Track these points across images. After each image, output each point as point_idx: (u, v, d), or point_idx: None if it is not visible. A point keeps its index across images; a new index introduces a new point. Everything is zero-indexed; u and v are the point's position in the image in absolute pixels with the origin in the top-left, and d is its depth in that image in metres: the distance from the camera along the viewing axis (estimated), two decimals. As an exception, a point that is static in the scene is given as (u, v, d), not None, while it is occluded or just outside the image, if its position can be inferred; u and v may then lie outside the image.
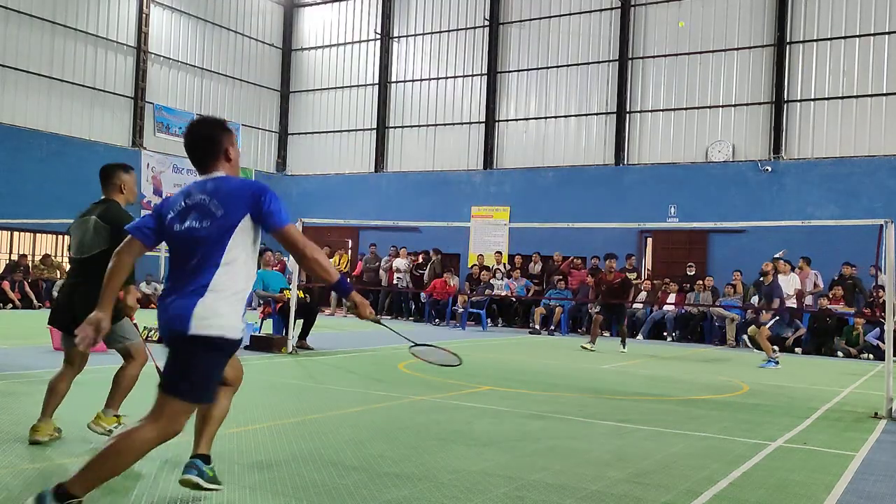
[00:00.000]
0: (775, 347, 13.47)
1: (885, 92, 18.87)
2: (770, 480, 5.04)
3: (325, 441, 5.60)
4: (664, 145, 21.37)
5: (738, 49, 20.52)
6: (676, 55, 21.24)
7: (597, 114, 22.27)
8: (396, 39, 25.57)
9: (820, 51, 19.69)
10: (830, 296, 16.45)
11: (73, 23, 21.45)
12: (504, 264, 20.97)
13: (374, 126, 25.67)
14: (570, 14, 22.69)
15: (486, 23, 23.84)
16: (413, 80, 25.18)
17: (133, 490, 4.24)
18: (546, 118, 22.98)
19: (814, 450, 6.12)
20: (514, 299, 19.95)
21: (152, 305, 19.04)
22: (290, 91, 27.44)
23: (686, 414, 7.66)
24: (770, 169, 19.73)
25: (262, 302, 14.29)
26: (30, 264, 19.86)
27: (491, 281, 19.96)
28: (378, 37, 25.71)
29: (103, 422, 5.32)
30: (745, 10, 20.48)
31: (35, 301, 18.67)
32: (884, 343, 9.44)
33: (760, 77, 20.30)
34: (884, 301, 9.00)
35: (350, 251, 24.25)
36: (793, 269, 17.25)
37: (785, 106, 19.96)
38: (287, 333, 11.61)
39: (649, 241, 21.27)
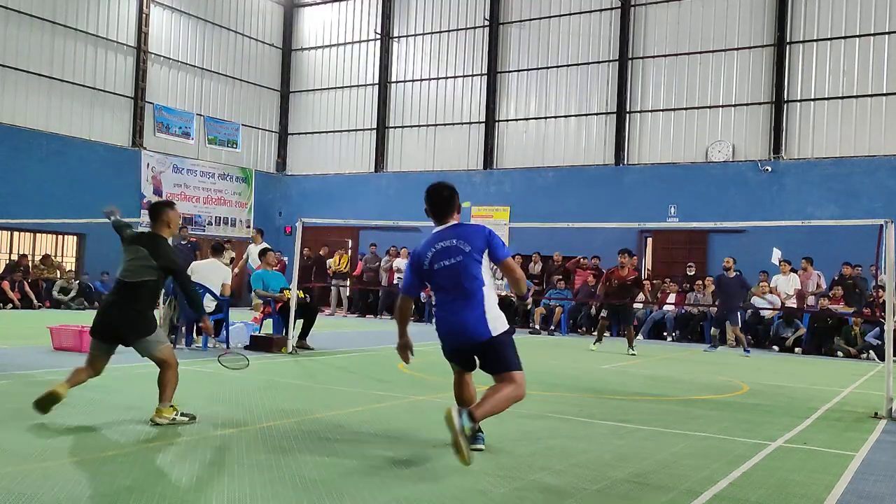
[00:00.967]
0: (750, 338, 14.27)
1: (885, 92, 18.88)
2: (770, 480, 5.04)
3: (324, 441, 5.60)
4: (664, 145, 21.37)
5: (738, 49, 20.52)
6: (676, 55, 21.24)
7: (597, 114, 22.27)
8: (396, 39, 25.57)
9: (820, 51, 19.69)
10: (830, 295, 16.44)
11: (73, 23, 21.45)
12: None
13: (374, 126, 25.67)
14: (570, 14, 22.69)
15: (486, 23, 23.84)
16: (413, 80, 25.18)
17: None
18: (546, 118, 22.98)
19: (814, 450, 6.12)
20: (514, 299, 19.94)
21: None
22: (290, 91, 27.43)
23: (686, 414, 7.66)
24: (770, 169, 19.74)
25: (262, 302, 14.29)
26: (30, 264, 19.86)
27: (491, 281, 19.93)
28: (378, 37, 25.71)
29: (165, 413, 6.00)
30: (745, 10, 20.48)
31: (35, 301, 18.68)
32: (884, 343, 9.44)
33: (760, 77, 20.30)
34: (884, 301, 9.00)
35: (350, 251, 24.25)
36: (793, 270, 17.28)
37: (785, 106, 19.96)
38: (287, 333, 11.60)
39: (649, 241, 21.27)
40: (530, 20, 23.27)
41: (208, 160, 24.67)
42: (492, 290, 5.25)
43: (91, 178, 21.12)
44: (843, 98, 19.37)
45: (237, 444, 5.40)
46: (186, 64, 24.30)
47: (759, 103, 20.25)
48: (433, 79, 24.83)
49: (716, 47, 20.73)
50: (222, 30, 25.30)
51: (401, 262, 21.67)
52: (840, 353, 15.27)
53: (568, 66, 22.71)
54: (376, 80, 25.69)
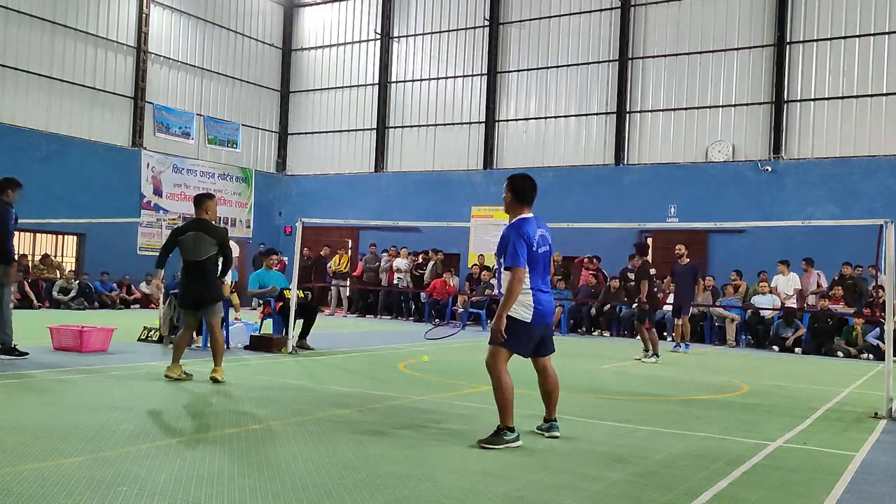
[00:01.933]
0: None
1: (885, 92, 18.88)
2: (770, 480, 5.04)
3: (324, 441, 5.60)
4: (664, 145, 21.37)
5: (738, 49, 20.52)
6: (676, 55, 21.25)
7: (597, 114, 22.27)
8: (396, 39, 25.57)
9: (820, 51, 19.69)
10: (830, 296, 16.44)
11: (73, 23, 21.45)
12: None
13: (374, 126, 25.67)
14: (570, 14, 22.69)
15: (486, 23, 23.84)
16: (413, 80, 25.18)
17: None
18: (546, 118, 22.98)
19: (814, 450, 6.12)
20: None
21: (152, 305, 19.03)
22: (290, 91, 27.44)
23: (686, 414, 7.66)
24: (770, 169, 19.74)
25: (261, 302, 14.29)
26: (30, 264, 19.85)
27: (491, 281, 19.96)
28: (378, 37, 25.71)
29: (218, 373, 8.06)
30: (745, 10, 20.48)
31: (35, 301, 18.68)
32: (884, 343, 9.44)
33: (760, 77, 20.30)
34: (884, 301, 9.00)
35: (350, 251, 24.25)
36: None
37: (785, 106, 19.96)
38: (287, 333, 11.60)
39: (649, 241, 21.24)
40: (530, 20, 23.28)
41: (208, 160, 24.67)
42: None
43: (91, 178, 21.12)
44: (843, 98, 19.37)
45: (237, 443, 5.40)
46: (186, 64, 24.30)
47: (759, 103, 20.25)
48: (433, 79, 24.83)
49: (716, 47, 20.73)
50: (222, 30, 25.30)
51: (401, 262, 21.67)
52: (840, 354, 15.27)
53: (568, 66, 22.72)
54: (376, 80, 25.69)
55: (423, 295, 20.65)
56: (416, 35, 25.17)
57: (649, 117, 21.62)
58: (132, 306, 20.67)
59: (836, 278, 16.87)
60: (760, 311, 16.86)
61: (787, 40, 19.93)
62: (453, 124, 24.41)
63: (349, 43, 26.46)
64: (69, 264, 21.23)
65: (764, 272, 17.48)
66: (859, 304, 16.19)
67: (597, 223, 18.43)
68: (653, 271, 13.39)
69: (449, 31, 24.59)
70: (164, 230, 18.38)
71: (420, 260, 21.88)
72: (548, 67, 22.99)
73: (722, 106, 20.70)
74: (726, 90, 20.67)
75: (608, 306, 18.74)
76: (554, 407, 6.19)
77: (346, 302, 22.55)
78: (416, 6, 25.16)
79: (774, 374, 11.85)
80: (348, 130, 26.28)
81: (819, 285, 17.24)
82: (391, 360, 10.78)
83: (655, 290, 13.82)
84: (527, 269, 5.72)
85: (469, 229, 22.73)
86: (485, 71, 23.84)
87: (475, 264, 20.95)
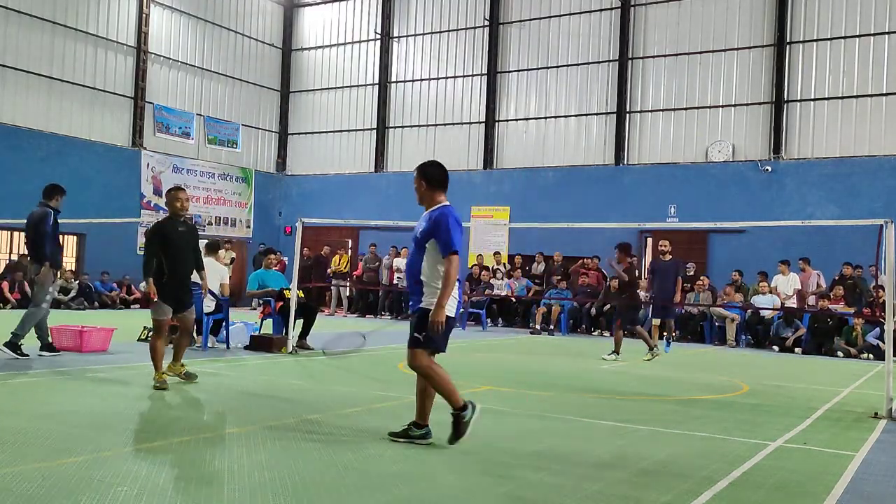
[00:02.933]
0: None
1: (885, 92, 18.87)
2: (770, 480, 5.04)
3: (324, 441, 5.60)
4: (664, 145, 21.37)
5: (738, 49, 20.52)
6: (676, 55, 21.25)
7: (597, 114, 22.27)
8: (396, 39, 25.57)
9: (820, 51, 19.69)
10: (831, 296, 16.44)
11: (73, 23, 21.44)
12: (504, 264, 20.96)
13: (374, 126, 25.67)
14: (570, 14, 22.69)
15: (486, 23, 23.84)
16: (413, 80, 25.18)
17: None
18: (546, 118, 22.98)
19: (814, 450, 6.12)
20: (514, 299, 19.95)
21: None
22: (290, 91, 27.44)
23: (686, 414, 7.66)
24: (770, 169, 19.74)
25: (261, 302, 14.29)
26: (29, 264, 19.84)
27: (491, 281, 19.97)
28: (378, 37, 25.71)
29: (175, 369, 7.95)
30: (745, 10, 20.48)
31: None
32: (883, 343, 9.44)
33: (760, 77, 20.30)
34: (884, 301, 9.00)
35: (350, 251, 24.25)
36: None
37: (785, 106, 19.96)
38: (287, 333, 11.60)
39: (649, 241, 21.26)
40: (530, 20, 23.28)
41: (208, 160, 24.67)
42: None
43: (91, 178, 21.11)
44: (843, 98, 19.36)
45: (237, 443, 5.40)
46: (186, 64, 24.30)
47: (759, 103, 20.25)
48: (433, 79, 24.83)
49: (716, 47, 20.73)
50: (222, 30, 25.30)
51: (401, 262, 21.67)
52: (840, 354, 15.27)
53: (568, 66, 22.72)
54: (376, 80, 25.69)
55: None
56: (416, 35, 25.17)
57: (649, 117, 21.61)
58: (132, 306, 20.66)
59: (837, 278, 16.88)
60: (760, 311, 16.87)
61: (787, 40, 19.93)
62: (453, 124, 24.41)
63: (349, 43, 26.45)
64: (69, 264, 21.21)
65: (763, 272, 17.48)
66: (859, 304, 16.20)
67: (597, 223, 18.42)
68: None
69: (449, 31, 24.59)
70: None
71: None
72: (548, 67, 22.99)
73: (722, 106, 20.70)
74: (726, 90, 20.67)
75: (608, 306, 18.72)
76: (429, 412, 5.68)
77: (346, 302, 22.55)
78: (416, 6, 25.16)
79: (774, 374, 11.84)
80: (348, 130, 26.27)
81: (819, 285, 17.24)
82: (391, 360, 10.78)
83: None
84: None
85: (469, 229, 22.73)
86: (485, 71, 23.84)
87: (475, 264, 20.94)
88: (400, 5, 25.49)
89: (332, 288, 22.36)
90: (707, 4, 20.91)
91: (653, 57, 21.59)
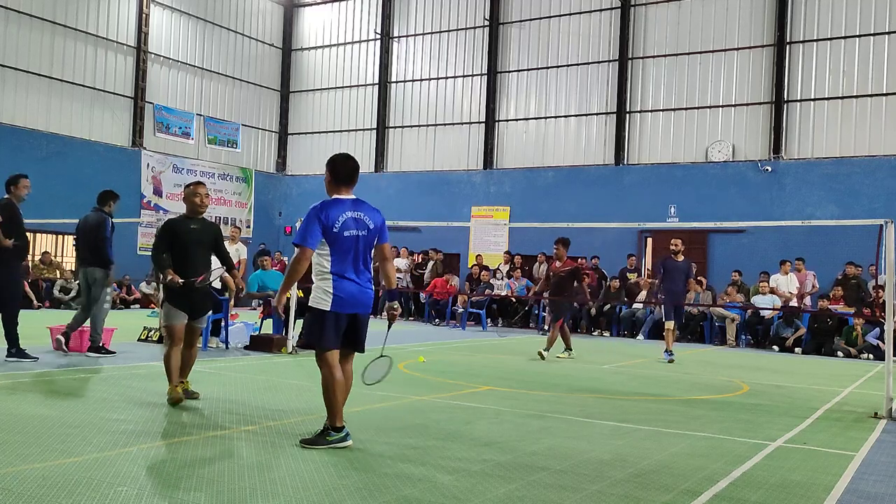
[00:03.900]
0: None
1: (885, 92, 18.88)
2: (770, 480, 5.04)
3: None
4: (664, 145, 21.37)
5: (738, 49, 20.52)
6: (676, 55, 21.25)
7: (597, 114, 22.27)
8: (396, 39, 25.57)
9: (820, 51, 19.69)
10: (830, 296, 16.44)
11: (73, 23, 21.45)
12: (511, 264, 20.93)
13: (374, 126, 25.68)
14: (570, 14, 22.70)
15: (486, 23, 23.84)
16: (413, 80, 25.18)
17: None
18: (546, 118, 22.98)
19: (814, 450, 6.12)
20: (514, 299, 19.95)
21: (152, 305, 19.02)
22: (290, 91, 27.44)
23: (686, 414, 7.66)
24: (770, 169, 19.74)
25: (261, 302, 14.29)
26: (30, 264, 19.84)
27: (491, 281, 19.96)
28: (378, 37, 25.71)
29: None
30: (745, 10, 20.48)
31: (35, 301, 18.68)
32: (883, 343, 9.44)
33: (760, 77, 20.30)
34: (884, 301, 9.00)
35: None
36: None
37: (785, 106, 19.96)
38: (287, 333, 11.60)
39: (649, 241, 21.27)
40: (530, 20, 23.28)
41: (208, 160, 24.66)
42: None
43: (91, 178, 21.06)
44: (843, 98, 19.37)
45: (237, 443, 5.40)
46: (186, 64, 24.30)
47: (759, 103, 20.25)
48: (433, 79, 24.83)
49: (716, 47, 20.73)
50: (222, 30, 25.30)
51: (401, 262, 21.67)
52: (840, 354, 15.27)
53: (568, 66, 22.72)
54: (376, 80, 25.69)
55: (422, 295, 20.63)
56: (416, 35, 25.18)
57: (649, 117, 21.61)
58: (132, 306, 20.65)
59: (840, 277, 16.85)
60: (760, 311, 16.87)
61: (787, 40, 19.93)
62: (453, 124, 24.41)
63: (349, 43, 26.46)
64: (69, 264, 21.19)
65: (764, 272, 17.48)
66: (863, 304, 16.18)
67: (597, 223, 18.43)
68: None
69: (449, 31, 24.60)
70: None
71: (419, 260, 21.87)
72: (548, 67, 22.99)
73: (722, 106, 20.70)
74: (726, 90, 20.67)
75: (608, 306, 18.74)
76: (340, 414, 5.45)
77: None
78: (416, 6, 25.16)
79: (774, 374, 11.84)
80: (348, 130, 26.27)
81: (814, 286, 17.26)
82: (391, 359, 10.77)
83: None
84: (328, 252, 5.36)
85: (469, 229, 22.74)
86: (485, 71, 23.84)
87: (475, 264, 20.94)
88: (400, 5, 25.49)
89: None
90: (707, 4, 20.91)
91: (653, 57, 21.59)
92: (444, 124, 24.57)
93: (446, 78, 24.61)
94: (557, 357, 12.33)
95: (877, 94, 18.98)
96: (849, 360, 14.84)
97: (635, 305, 18.30)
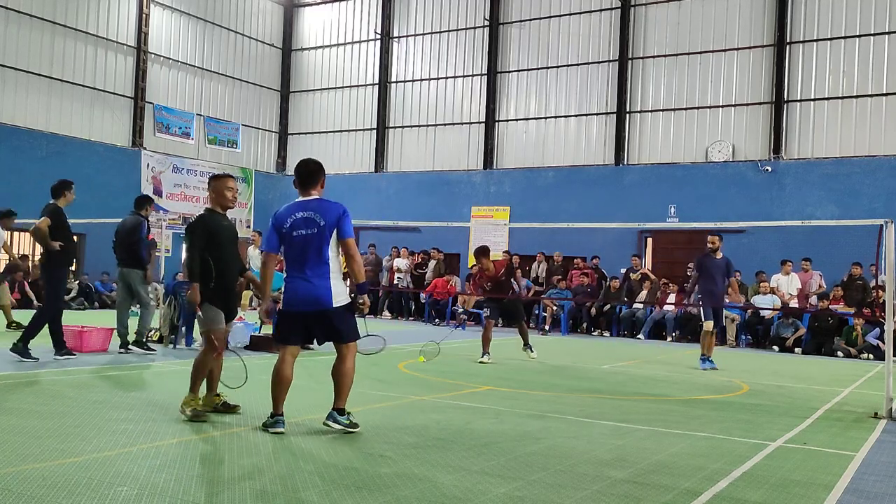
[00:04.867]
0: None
1: (885, 92, 18.88)
2: (770, 480, 5.04)
3: (325, 441, 5.60)
4: (664, 145, 21.37)
5: (738, 49, 20.52)
6: (676, 55, 21.25)
7: (597, 114, 22.27)
8: (396, 39, 25.57)
9: (820, 51, 19.69)
10: (831, 296, 16.43)
11: (73, 23, 21.45)
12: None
13: (374, 126, 25.68)
14: (570, 14, 22.70)
15: (486, 23, 23.84)
16: (413, 80, 25.18)
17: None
18: (546, 118, 22.98)
19: (814, 450, 6.12)
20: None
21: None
22: (290, 91, 27.45)
23: (686, 414, 7.66)
24: (770, 169, 19.74)
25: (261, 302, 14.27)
26: (30, 264, 19.84)
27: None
28: (378, 37, 25.71)
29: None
30: (745, 10, 20.48)
31: (35, 301, 18.66)
32: (883, 343, 9.44)
33: (760, 77, 20.30)
34: (884, 301, 9.00)
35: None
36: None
37: (785, 106, 19.96)
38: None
39: (649, 241, 21.27)
40: (530, 20, 23.28)
41: (208, 160, 24.66)
42: (337, 266, 5.84)
43: (91, 178, 21.09)
44: (843, 98, 19.37)
45: (237, 443, 5.40)
46: (186, 64, 24.30)
47: (759, 103, 20.25)
48: (433, 79, 24.83)
49: (716, 47, 20.73)
50: (222, 30, 25.31)
51: (401, 262, 21.68)
52: (840, 354, 15.27)
53: (568, 66, 22.72)
54: (376, 80, 25.69)
55: (422, 295, 20.64)
56: (416, 35, 25.17)
57: (649, 117, 21.61)
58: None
59: (846, 279, 16.80)
60: (760, 311, 16.86)
61: (787, 40, 19.93)
62: (453, 124, 24.41)
63: (349, 43, 26.46)
64: (69, 264, 21.20)
65: (763, 272, 17.48)
66: (868, 304, 16.16)
67: (597, 223, 18.43)
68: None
69: (449, 31, 24.60)
70: (165, 230, 18.39)
71: (419, 260, 21.87)
72: (548, 67, 22.99)
73: (722, 106, 20.70)
74: (726, 90, 20.66)
75: (608, 306, 18.73)
76: (343, 398, 5.93)
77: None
78: (416, 6, 25.16)
79: (774, 374, 11.84)
80: (348, 130, 26.28)
81: (820, 286, 17.23)
82: (391, 360, 10.77)
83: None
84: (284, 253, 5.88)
85: (469, 229, 22.73)
86: (485, 71, 23.84)
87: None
88: (400, 5, 25.49)
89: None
90: (707, 4, 20.91)
91: (653, 57, 21.59)
92: (444, 124, 24.57)
93: (446, 78, 24.61)
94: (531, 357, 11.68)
95: (877, 94, 18.98)
96: (849, 360, 14.83)
97: (635, 305, 18.30)
